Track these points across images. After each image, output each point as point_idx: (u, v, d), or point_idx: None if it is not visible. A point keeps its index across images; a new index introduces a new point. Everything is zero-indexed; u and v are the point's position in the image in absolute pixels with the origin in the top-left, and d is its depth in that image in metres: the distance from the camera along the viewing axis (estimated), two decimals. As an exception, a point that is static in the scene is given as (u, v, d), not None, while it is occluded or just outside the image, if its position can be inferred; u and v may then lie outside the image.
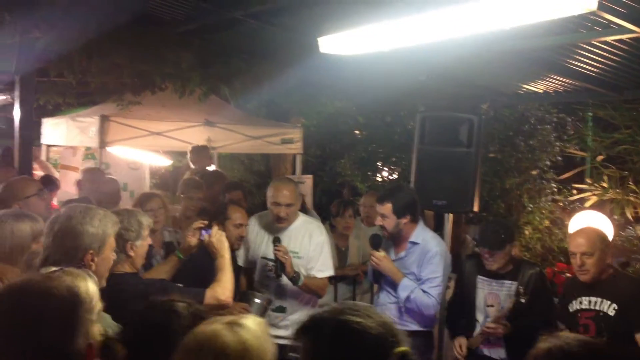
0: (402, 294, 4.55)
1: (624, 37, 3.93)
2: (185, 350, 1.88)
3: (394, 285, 4.62)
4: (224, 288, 3.47)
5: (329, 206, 7.50)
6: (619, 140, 5.91)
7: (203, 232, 3.83)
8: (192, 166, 8.13)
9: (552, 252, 6.81)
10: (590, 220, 5.58)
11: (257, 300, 4.35)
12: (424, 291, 4.51)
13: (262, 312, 4.32)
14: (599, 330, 3.83)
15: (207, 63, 5.94)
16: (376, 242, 4.66)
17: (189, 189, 6.50)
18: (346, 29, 4.35)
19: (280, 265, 4.43)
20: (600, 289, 3.88)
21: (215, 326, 1.90)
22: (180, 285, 3.60)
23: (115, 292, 3.18)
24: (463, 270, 4.76)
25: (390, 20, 4.12)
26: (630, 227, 6.43)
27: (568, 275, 5.77)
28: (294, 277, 4.49)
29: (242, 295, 4.46)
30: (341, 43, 4.33)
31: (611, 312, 3.81)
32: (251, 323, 1.94)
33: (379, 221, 4.68)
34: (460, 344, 4.57)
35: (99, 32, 5.42)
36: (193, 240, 3.90)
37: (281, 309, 4.67)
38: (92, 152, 10.01)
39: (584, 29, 4.04)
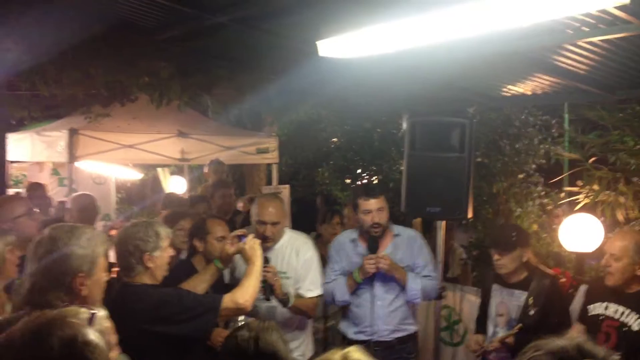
0: (415, 286, 4.59)
1: (629, 34, 3.83)
2: None
3: (390, 290, 4.60)
4: (244, 292, 3.49)
5: (303, 215, 7.34)
6: (609, 142, 5.84)
7: (241, 239, 3.89)
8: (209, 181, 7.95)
9: (541, 256, 6.72)
10: (581, 223, 5.50)
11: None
12: (425, 276, 4.67)
13: None
14: (619, 342, 3.64)
15: (186, 71, 5.70)
16: (375, 246, 4.57)
17: (172, 204, 6.35)
18: (338, 33, 4.20)
19: (269, 288, 4.24)
20: (631, 300, 3.69)
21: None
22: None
23: (131, 302, 3.23)
24: (485, 279, 4.71)
25: (383, 23, 3.98)
26: (618, 229, 6.37)
27: (563, 280, 5.67)
28: (284, 299, 4.33)
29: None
30: (340, 46, 4.18)
31: (636, 327, 3.61)
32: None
33: (374, 218, 4.56)
34: (477, 340, 4.44)
35: (74, 42, 5.16)
36: (231, 249, 3.90)
37: None
38: (55, 167, 9.71)
39: (586, 27, 3.93)
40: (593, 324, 3.82)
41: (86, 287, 2.62)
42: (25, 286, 2.66)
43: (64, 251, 2.60)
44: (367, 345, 4.61)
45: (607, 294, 3.81)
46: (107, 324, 2.33)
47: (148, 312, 3.24)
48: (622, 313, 3.69)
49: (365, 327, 4.68)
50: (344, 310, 4.85)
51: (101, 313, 2.34)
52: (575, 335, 3.83)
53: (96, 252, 2.68)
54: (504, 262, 4.27)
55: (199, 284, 3.81)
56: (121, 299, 3.25)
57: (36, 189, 7.11)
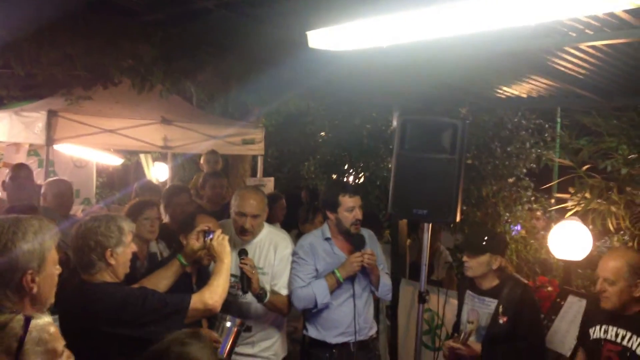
0: (387, 282, 4.64)
1: (635, 40, 3.64)
2: None
3: (365, 288, 4.60)
4: (212, 292, 3.30)
5: (287, 209, 7.15)
6: (601, 149, 5.69)
7: (208, 235, 3.69)
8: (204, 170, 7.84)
9: (528, 263, 6.59)
10: (569, 231, 5.38)
11: (228, 324, 3.94)
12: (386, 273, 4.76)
13: (234, 336, 3.91)
14: None
15: (171, 57, 5.46)
16: (362, 243, 4.49)
17: (145, 192, 6.16)
18: (329, 24, 4.00)
19: (247, 281, 4.09)
20: (631, 322, 3.48)
21: None
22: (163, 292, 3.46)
23: (91, 302, 3.01)
24: (461, 284, 4.63)
25: (376, 16, 3.78)
26: (607, 238, 6.26)
27: (550, 289, 5.53)
28: (260, 294, 4.20)
29: (211, 318, 4.06)
30: (330, 38, 3.98)
31: None
32: None
33: (356, 215, 4.50)
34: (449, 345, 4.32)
35: (53, 19, 4.90)
36: (196, 244, 3.71)
37: (247, 329, 4.29)
38: (34, 148, 9.43)
39: (590, 30, 3.74)
40: (594, 349, 3.65)
41: (36, 285, 2.40)
42: None
43: (8, 247, 2.36)
44: (348, 347, 4.54)
45: (605, 317, 3.64)
46: (52, 329, 2.12)
47: (110, 313, 3.03)
48: (623, 337, 3.50)
49: (347, 327, 4.54)
50: (311, 315, 4.61)
51: (43, 320, 2.12)
52: None
53: (44, 246, 2.45)
54: (470, 265, 4.23)
55: (161, 281, 3.61)
56: (79, 299, 3.04)
57: (21, 169, 6.79)
